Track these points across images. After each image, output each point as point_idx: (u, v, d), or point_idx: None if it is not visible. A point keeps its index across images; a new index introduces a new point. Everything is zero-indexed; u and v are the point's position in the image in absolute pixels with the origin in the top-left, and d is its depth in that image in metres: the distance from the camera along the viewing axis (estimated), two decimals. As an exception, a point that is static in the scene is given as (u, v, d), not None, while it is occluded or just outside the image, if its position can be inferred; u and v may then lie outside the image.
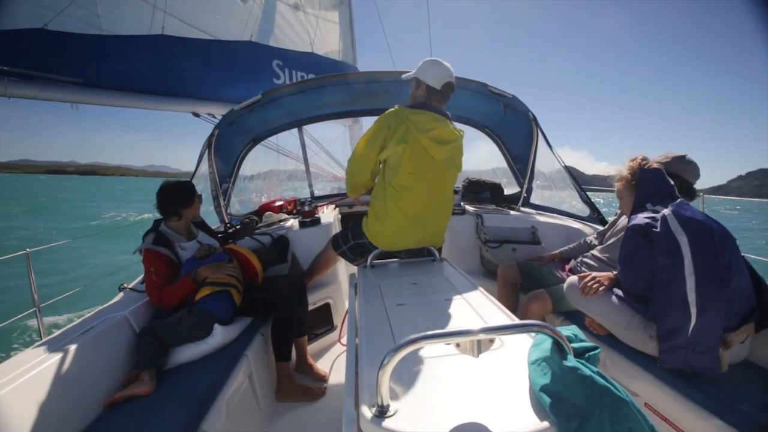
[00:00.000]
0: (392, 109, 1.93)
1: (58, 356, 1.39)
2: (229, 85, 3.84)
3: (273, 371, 2.06)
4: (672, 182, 1.59)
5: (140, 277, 2.16)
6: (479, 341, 0.79)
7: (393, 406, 0.77)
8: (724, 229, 1.42)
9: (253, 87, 3.99)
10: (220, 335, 1.76)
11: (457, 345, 0.80)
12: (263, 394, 1.91)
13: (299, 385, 2.07)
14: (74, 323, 1.68)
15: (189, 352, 1.70)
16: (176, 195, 2.01)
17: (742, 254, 1.43)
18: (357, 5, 6.27)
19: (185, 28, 3.64)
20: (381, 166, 2.02)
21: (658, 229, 1.41)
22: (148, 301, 1.90)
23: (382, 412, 0.75)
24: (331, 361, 2.48)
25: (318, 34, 5.44)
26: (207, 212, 3.00)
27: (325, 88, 2.96)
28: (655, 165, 1.64)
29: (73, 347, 1.44)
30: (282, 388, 2.01)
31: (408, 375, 0.88)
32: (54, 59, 2.74)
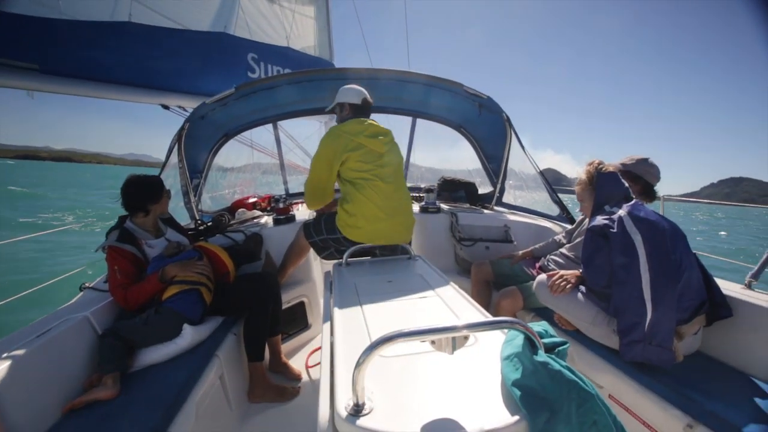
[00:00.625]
0: (326, 133, 2.22)
1: (10, 360, 1.30)
2: (201, 78, 3.67)
3: (245, 371, 2.02)
4: (627, 185, 1.67)
5: (102, 276, 2.05)
6: (454, 338, 0.80)
7: (368, 404, 0.77)
8: (676, 228, 1.51)
9: (227, 80, 3.85)
10: (189, 335, 1.70)
11: (433, 342, 0.81)
12: (235, 395, 1.87)
13: (273, 385, 2.03)
14: (30, 324, 1.58)
15: (156, 354, 1.63)
16: (143, 189, 1.92)
17: (693, 251, 1.53)
18: (335, 2, 6.21)
19: (154, 16, 3.46)
20: (338, 175, 2.19)
21: (614, 230, 1.48)
22: (112, 301, 1.81)
23: (357, 411, 0.75)
24: (306, 361, 2.45)
25: (294, 29, 5.34)
26: (176, 208, 2.89)
27: (302, 83, 2.92)
28: (611, 168, 1.72)
29: (28, 350, 1.35)
30: (255, 389, 1.98)
31: (384, 373, 0.88)
32: (7, 43, 2.54)
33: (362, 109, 2.27)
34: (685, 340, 1.45)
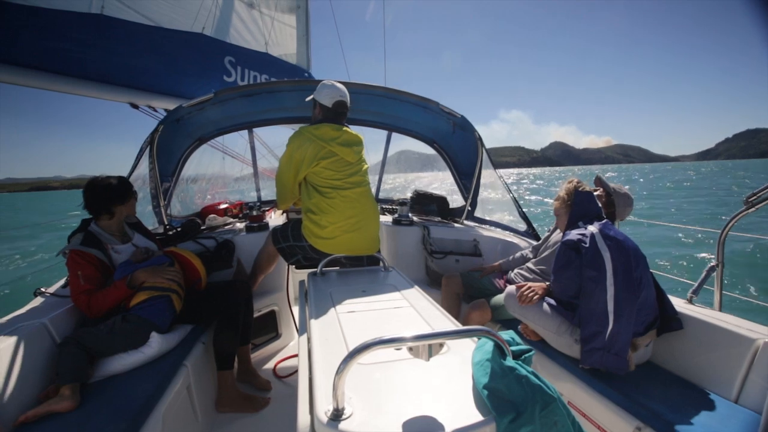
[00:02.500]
0: (296, 132, 2.15)
1: None
2: (174, 78, 3.58)
3: (214, 381, 1.97)
4: (600, 204, 1.81)
5: (62, 281, 1.95)
6: (430, 345, 0.85)
7: (348, 409, 0.80)
8: (638, 248, 1.66)
9: (202, 82, 3.79)
10: (156, 344, 1.65)
11: (410, 349, 0.85)
12: (202, 405, 1.82)
13: (242, 394, 2.00)
14: None
15: (121, 363, 1.57)
16: (108, 190, 1.83)
17: (650, 270, 1.68)
18: (314, 12, 6.28)
19: (128, 12, 3.36)
20: (304, 178, 2.17)
21: (587, 245, 1.60)
22: (72, 307, 1.73)
23: (337, 416, 0.78)
24: (278, 370, 2.42)
25: (273, 36, 5.35)
26: (144, 212, 2.79)
27: (280, 93, 2.93)
28: (588, 188, 1.86)
29: None
30: (223, 399, 1.93)
31: (362, 379, 0.92)
32: None
33: (333, 113, 2.18)
34: (639, 351, 1.58)
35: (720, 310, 1.70)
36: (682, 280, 2.17)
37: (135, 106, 3.44)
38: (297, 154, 2.08)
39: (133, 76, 3.30)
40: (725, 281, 1.74)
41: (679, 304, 1.73)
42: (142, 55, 3.41)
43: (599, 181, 2.00)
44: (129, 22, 3.32)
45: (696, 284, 1.78)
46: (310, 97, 2.25)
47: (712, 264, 1.75)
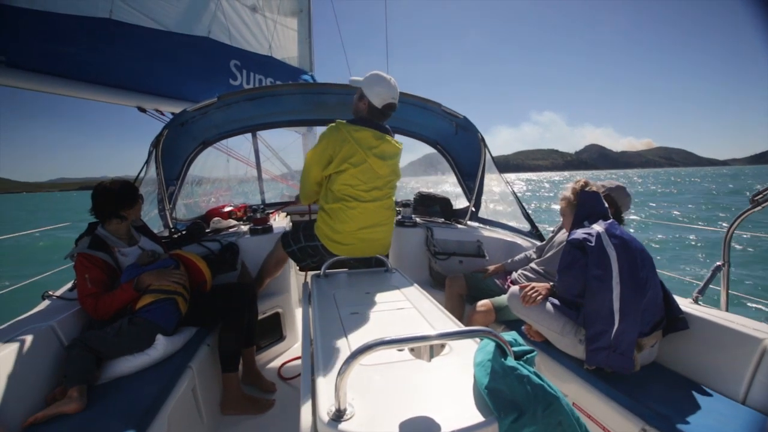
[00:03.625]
0: (333, 125, 2.00)
1: None
2: (181, 82, 3.61)
3: (219, 383, 1.98)
4: (606, 205, 1.80)
5: (69, 284, 1.98)
6: (432, 346, 0.85)
7: (350, 409, 0.80)
8: (644, 248, 1.65)
9: (209, 86, 3.82)
10: (162, 346, 1.66)
11: (412, 350, 0.86)
12: (207, 407, 1.83)
13: (246, 396, 2.00)
14: None
15: (126, 365, 1.58)
16: (117, 195, 1.87)
17: (657, 270, 1.67)
18: (317, 15, 6.32)
19: (136, 15, 3.39)
20: (328, 178, 2.10)
21: (593, 244, 1.59)
22: (79, 310, 1.75)
23: (339, 416, 0.79)
24: (282, 372, 2.43)
25: (276, 39, 5.38)
26: (150, 216, 2.82)
27: (284, 96, 2.95)
28: (594, 188, 1.86)
29: None
30: (228, 401, 1.94)
31: (364, 380, 0.92)
32: None
33: (381, 114, 2.04)
34: (644, 351, 1.57)
35: (727, 309, 1.69)
36: (687, 279, 2.15)
37: (143, 110, 3.47)
38: (330, 149, 1.96)
39: (140, 79, 3.33)
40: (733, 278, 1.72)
41: (684, 303, 1.72)
42: (149, 58, 3.43)
43: (586, 185, 1.96)
44: (137, 26, 3.34)
45: (702, 284, 1.77)
46: (359, 81, 2.03)
47: (718, 263, 1.74)
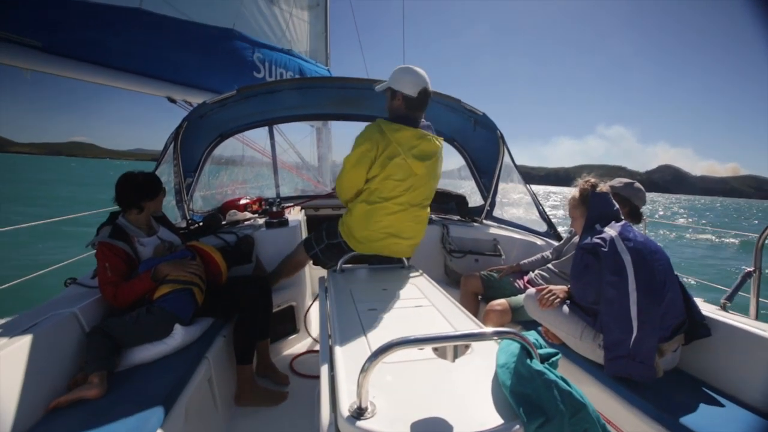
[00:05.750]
0: (374, 125, 1.91)
1: None
2: (208, 73, 3.65)
3: (233, 374, 2.00)
4: (617, 206, 1.74)
5: (91, 272, 2.01)
6: (456, 346, 0.83)
7: (371, 407, 0.79)
8: (661, 251, 1.58)
9: (234, 77, 3.87)
10: (180, 336, 1.68)
11: (436, 349, 0.84)
12: (222, 397, 1.85)
13: (260, 388, 2.02)
14: (11, 318, 1.54)
15: (145, 353, 1.61)
16: (141, 187, 1.90)
17: (675, 273, 1.61)
18: (333, 8, 6.30)
19: (164, 6, 3.41)
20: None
21: (606, 249, 1.54)
22: (100, 297, 1.78)
23: (360, 414, 0.78)
24: (294, 365, 2.44)
25: (292, 32, 5.38)
26: (167, 207, 2.86)
27: (302, 89, 2.95)
28: (605, 189, 1.79)
29: (12, 345, 1.32)
30: (242, 392, 1.96)
31: (385, 378, 0.91)
32: (9, 17, 2.42)
33: (418, 102, 1.92)
34: (665, 356, 1.52)
35: (756, 318, 1.62)
36: (716, 285, 2.08)
37: (173, 101, 3.51)
38: (373, 151, 1.86)
39: (169, 69, 3.37)
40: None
41: (711, 310, 1.66)
42: (178, 49, 3.47)
43: (595, 186, 1.85)
44: (165, 17, 3.38)
45: (730, 290, 1.71)
46: (385, 84, 1.97)
47: (748, 270, 1.67)
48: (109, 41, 2.94)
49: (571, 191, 1.93)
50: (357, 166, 1.91)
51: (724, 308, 1.69)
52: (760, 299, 1.66)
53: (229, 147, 3.59)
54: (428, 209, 2.17)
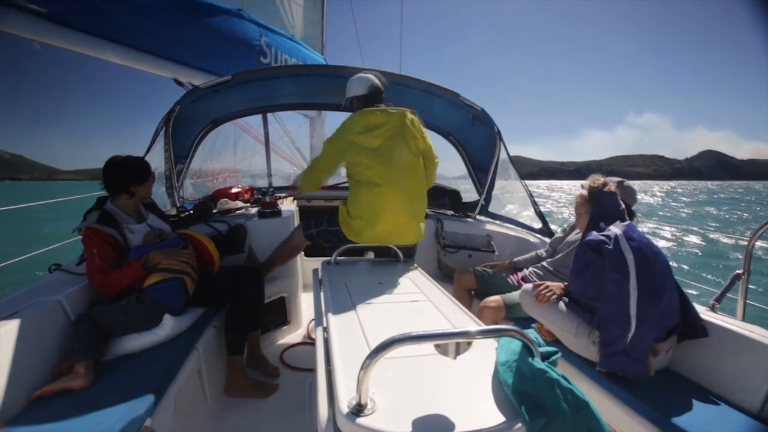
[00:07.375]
0: (353, 113, 2.07)
1: None
2: (217, 56, 3.56)
3: (223, 365, 1.97)
4: (623, 206, 1.75)
5: (77, 258, 1.95)
6: (458, 343, 0.82)
7: (370, 404, 0.78)
8: (661, 252, 1.60)
9: (241, 61, 3.79)
10: (169, 326, 1.65)
11: (437, 346, 0.82)
12: (212, 388, 1.82)
13: (251, 380, 1.99)
14: None
15: (133, 343, 1.57)
16: (129, 170, 1.83)
17: (674, 276, 1.63)
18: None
19: None
20: (346, 166, 2.09)
21: (610, 246, 1.55)
22: (86, 285, 1.73)
23: (359, 410, 0.76)
24: (285, 357, 2.42)
25: (289, 18, 5.28)
26: (155, 194, 2.78)
27: (298, 77, 2.88)
28: (613, 188, 1.80)
29: None
30: (232, 383, 1.93)
31: (384, 374, 0.89)
32: None
33: (371, 97, 2.13)
34: (659, 356, 1.54)
35: (743, 319, 1.66)
36: (704, 287, 2.12)
37: (179, 83, 3.41)
38: (346, 134, 2.02)
39: (178, 50, 3.28)
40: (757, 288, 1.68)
41: (700, 311, 1.69)
42: (188, 27, 3.37)
43: (605, 185, 1.88)
44: None
45: (719, 292, 1.73)
46: (345, 103, 2.22)
47: (738, 272, 1.70)
48: (116, 13, 2.83)
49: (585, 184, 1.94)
50: (328, 152, 2.10)
51: (713, 309, 1.71)
52: (747, 301, 1.69)
53: (221, 133, 3.52)
54: (423, 195, 2.21)
